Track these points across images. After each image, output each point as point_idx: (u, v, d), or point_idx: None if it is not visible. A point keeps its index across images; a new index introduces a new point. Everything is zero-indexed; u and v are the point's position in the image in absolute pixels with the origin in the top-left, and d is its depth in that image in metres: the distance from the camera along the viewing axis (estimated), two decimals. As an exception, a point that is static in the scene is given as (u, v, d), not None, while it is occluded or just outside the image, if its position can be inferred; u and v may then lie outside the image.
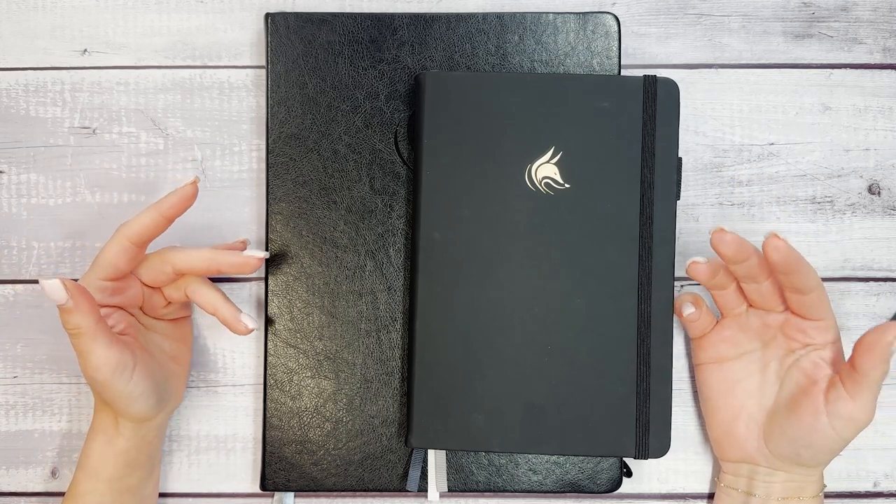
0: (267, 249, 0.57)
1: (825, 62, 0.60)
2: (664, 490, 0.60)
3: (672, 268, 0.54)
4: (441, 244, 0.54)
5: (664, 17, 0.61)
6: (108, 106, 0.60)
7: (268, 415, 0.57)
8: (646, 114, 0.54)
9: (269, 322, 0.57)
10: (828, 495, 0.60)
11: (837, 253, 0.60)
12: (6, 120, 0.60)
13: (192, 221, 0.59)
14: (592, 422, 0.53)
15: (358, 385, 0.57)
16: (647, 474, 0.60)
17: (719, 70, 0.60)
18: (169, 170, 0.60)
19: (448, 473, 0.58)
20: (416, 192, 0.54)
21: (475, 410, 0.54)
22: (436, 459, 0.57)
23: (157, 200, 0.52)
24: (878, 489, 0.60)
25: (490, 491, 0.58)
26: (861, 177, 0.60)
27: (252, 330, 0.53)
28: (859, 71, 0.60)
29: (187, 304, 0.58)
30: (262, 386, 0.58)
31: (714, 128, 0.60)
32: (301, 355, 0.57)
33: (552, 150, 0.54)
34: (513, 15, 0.58)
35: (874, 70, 0.60)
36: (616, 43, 0.57)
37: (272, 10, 0.60)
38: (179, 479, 0.60)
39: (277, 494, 0.59)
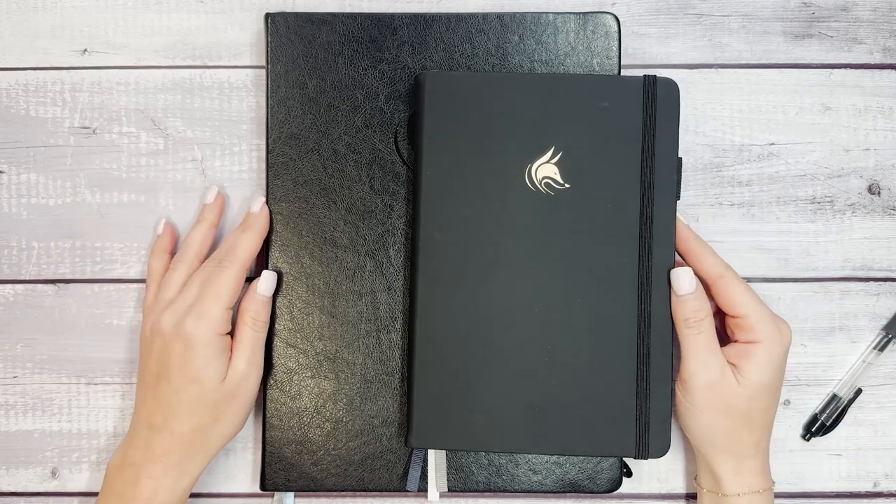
0: (267, 249, 0.57)
1: (825, 62, 0.60)
2: (664, 490, 0.60)
3: (672, 266, 0.54)
4: (441, 244, 0.54)
5: (664, 17, 0.61)
6: (108, 106, 0.60)
7: (268, 415, 0.57)
8: (646, 114, 0.54)
9: (269, 322, 0.57)
10: (828, 495, 0.60)
11: (837, 253, 0.60)
12: (6, 120, 0.60)
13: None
14: (592, 421, 0.53)
15: (358, 385, 0.57)
16: (647, 474, 0.60)
17: (719, 70, 0.60)
18: (169, 170, 0.60)
19: (448, 473, 0.58)
20: (416, 192, 0.54)
21: (475, 410, 0.54)
22: (436, 459, 0.57)
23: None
24: (878, 489, 0.60)
25: (490, 491, 0.58)
26: (861, 177, 0.60)
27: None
28: (859, 71, 0.60)
29: None
30: (262, 386, 0.58)
31: (714, 128, 0.60)
32: (301, 355, 0.57)
33: (552, 150, 0.54)
34: (513, 15, 0.58)
35: (874, 70, 0.60)
36: (616, 43, 0.57)
37: (272, 10, 0.60)
38: (179, 479, 0.60)
39: (277, 494, 0.59)
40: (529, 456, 0.58)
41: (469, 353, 0.54)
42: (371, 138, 0.57)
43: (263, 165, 0.59)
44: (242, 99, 0.60)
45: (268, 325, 0.56)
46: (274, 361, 0.57)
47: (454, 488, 0.57)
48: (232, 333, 0.55)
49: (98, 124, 0.60)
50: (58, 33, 0.61)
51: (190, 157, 0.60)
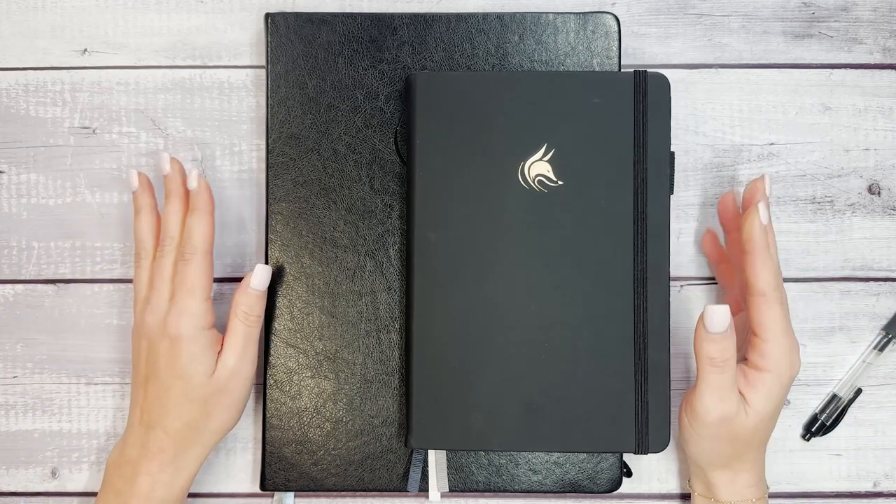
0: (267, 249, 0.57)
1: (825, 62, 0.60)
2: (664, 490, 0.60)
3: (667, 262, 0.54)
4: (436, 244, 0.54)
5: (664, 17, 0.61)
6: (108, 106, 0.60)
7: (268, 415, 0.57)
8: (637, 109, 0.54)
9: (269, 322, 0.57)
10: (828, 495, 0.60)
11: (837, 253, 0.60)
12: (6, 120, 0.60)
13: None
14: (591, 418, 0.53)
15: (358, 385, 0.57)
16: (647, 474, 0.60)
17: (719, 70, 0.60)
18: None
19: (448, 473, 0.58)
20: (409, 193, 0.55)
21: (474, 410, 0.54)
22: (436, 460, 0.57)
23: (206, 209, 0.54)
24: (878, 489, 0.60)
25: (490, 491, 0.58)
26: (861, 177, 0.60)
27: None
28: (859, 71, 0.60)
29: None
30: (262, 386, 0.58)
31: (714, 128, 0.60)
32: (301, 355, 0.57)
33: (544, 148, 0.54)
34: (513, 15, 0.58)
35: (874, 70, 0.60)
36: (616, 43, 0.57)
37: (272, 10, 0.60)
38: (179, 479, 0.60)
39: (277, 494, 0.59)
40: (529, 456, 0.58)
41: (466, 352, 0.54)
42: (371, 138, 0.57)
43: (263, 165, 0.59)
44: (242, 99, 0.60)
45: (262, 319, 0.55)
46: (274, 361, 0.57)
47: (454, 488, 0.57)
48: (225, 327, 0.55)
49: (98, 124, 0.60)
50: (58, 33, 0.61)
51: (190, 157, 0.60)
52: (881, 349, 0.59)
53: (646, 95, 0.54)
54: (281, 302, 0.57)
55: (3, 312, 0.60)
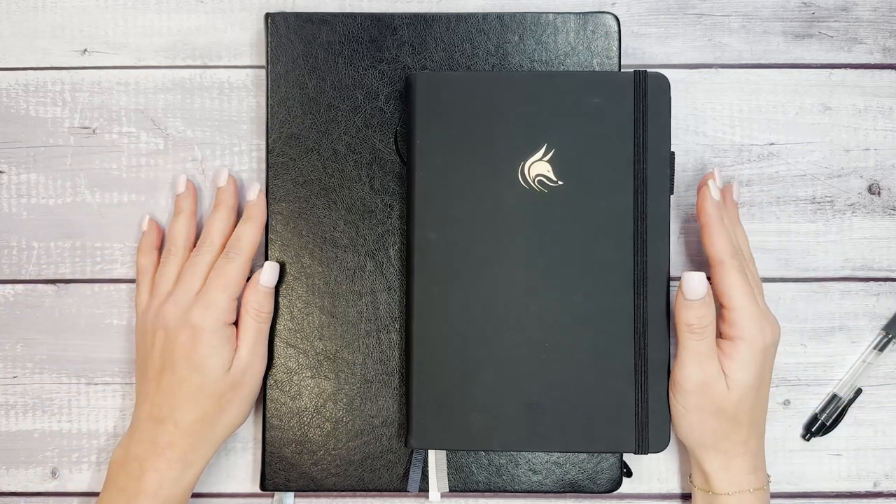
0: (267, 249, 0.58)
1: (825, 62, 0.60)
2: (664, 490, 0.60)
3: (667, 262, 0.54)
4: (436, 244, 0.54)
5: (664, 17, 0.61)
6: (108, 106, 0.60)
7: (268, 415, 0.57)
8: (637, 109, 0.54)
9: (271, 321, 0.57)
10: (828, 495, 0.60)
11: (837, 253, 0.60)
12: (6, 120, 0.60)
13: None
14: (591, 418, 0.53)
15: (358, 385, 0.57)
16: (647, 474, 0.60)
17: (719, 70, 0.60)
18: (169, 170, 0.60)
19: (448, 473, 0.58)
20: (409, 193, 0.55)
21: (474, 410, 0.54)
22: (436, 460, 0.57)
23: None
24: (878, 489, 0.60)
25: (490, 491, 0.58)
26: (861, 177, 0.60)
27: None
28: (859, 71, 0.60)
29: None
30: (262, 386, 0.58)
31: (714, 128, 0.60)
32: (301, 355, 0.57)
33: (544, 148, 0.54)
34: (513, 15, 0.58)
35: (874, 70, 0.60)
36: (616, 43, 0.57)
37: (272, 10, 0.60)
38: (179, 479, 0.60)
39: (277, 494, 0.59)
40: (529, 456, 0.58)
41: (467, 352, 0.54)
42: (371, 138, 0.57)
43: (263, 165, 0.59)
44: (242, 99, 0.60)
45: (271, 316, 0.56)
46: (274, 361, 0.57)
47: (454, 488, 0.58)
48: (237, 324, 0.55)
49: (98, 124, 0.60)
50: (58, 33, 0.61)
51: (190, 157, 0.60)
52: (881, 349, 0.59)
53: (646, 95, 0.54)
54: (281, 302, 0.57)
55: (3, 312, 0.60)
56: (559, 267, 0.54)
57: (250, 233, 0.56)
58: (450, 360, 0.54)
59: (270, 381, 0.57)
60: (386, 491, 0.57)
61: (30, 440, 0.60)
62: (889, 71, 0.60)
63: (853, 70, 0.60)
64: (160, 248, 0.59)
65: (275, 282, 0.56)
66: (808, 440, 0.60)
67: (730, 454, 0.53)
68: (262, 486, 0.57)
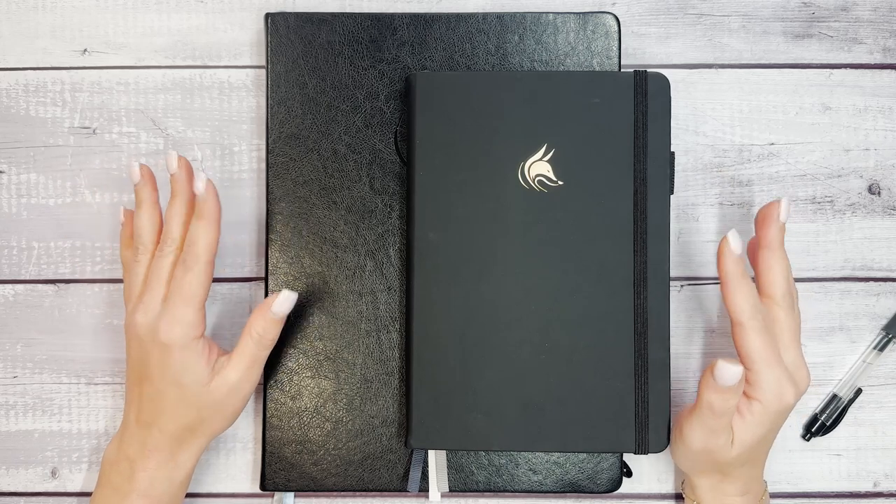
0: (267, 249, 0.57)
1: (825, 62, 0.60)
2: (664, 490, 0.60)
3: (667, 262, 0.54)
4: (436, 244, 0.54)
5: (664, 17, 0.61)
6: (108, 106, 0.60)
7: (268, 415, 0.57)
8: (637, 109, 0.54)
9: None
10: (828, 495, 0.60)
11: (837, 253, 0.60)
12: (6, 120, 0.60)
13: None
14: (591, 418, 0.53)
15: (358, 385, 0.57)
16: (646, 474, 0.60)
17: (719, 70, 0.60)
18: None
19: (448, 473, 0.58)
20: (409, 193, 0.55)
21: (474, 410, 0.54)
22: (436, 460, 0.57)
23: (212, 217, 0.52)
24: (878, 489, 0.60)
25: (490, 491, 0.58)
26: (861, 177, 0.60)
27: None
28: (859, 71, 0.60)
29: None
30: (262, 386, 0.58)
31: (714, 128, 0.60)
32: (301, 355, 0.57)
33: (544, 148, 0.54)
34: (513, 15, 0.58)
35: (874, 70, 0.60)
36: (616, 43, 0.57)
37: (272, 10, 0.60)
38: (179, 479, 0.60)
39: (277, 494, 0.59)
40: (529, 456, 0.58)
41: (466, 352, 0.54)
42: (371, 138, 0.57)
43: (263, 165, 0.59)
44: (242, 99, 0.60)
45: (274, 343, 0.54)
46: (274, 361, 0.57)
47: (454, 488, 0.57)
48: (236, 332, 0.55)
49: (98, 124, 0.60)
50: (58, 33, 0.61)
51: (190, 157, 0.60)
52: (881, 349, 0.59)
53: (646, 95, 0.54)
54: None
55: (3, 312, 0.60)
56: (559, 267, 0.54)
57: (204, 234, 0.51)
58: (450, 360, 0.54)
59: (270, 381, 0.57)
60: (386, 491, 0.57)
61: (30, 440, 0.60)
62: (889, 71, 0.60)
63: (853, 70, 0.60)
64: None
65: (287, 311, 0.53)
66: (808, 440, 0.60)
67: (721, 479, 0.54)
68: (262, 486, 0.57)
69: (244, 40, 0.61)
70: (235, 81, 0.60)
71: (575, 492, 0.58)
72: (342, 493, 0.59)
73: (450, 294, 0.54)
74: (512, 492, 0.58)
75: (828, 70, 0.60)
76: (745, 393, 0.50)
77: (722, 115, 0.60)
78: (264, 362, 0.54)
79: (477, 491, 0.58)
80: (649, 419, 0.53)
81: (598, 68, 0.57)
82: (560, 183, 0.54)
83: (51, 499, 0.60)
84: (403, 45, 0.58)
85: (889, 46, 0.60)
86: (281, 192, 0.57)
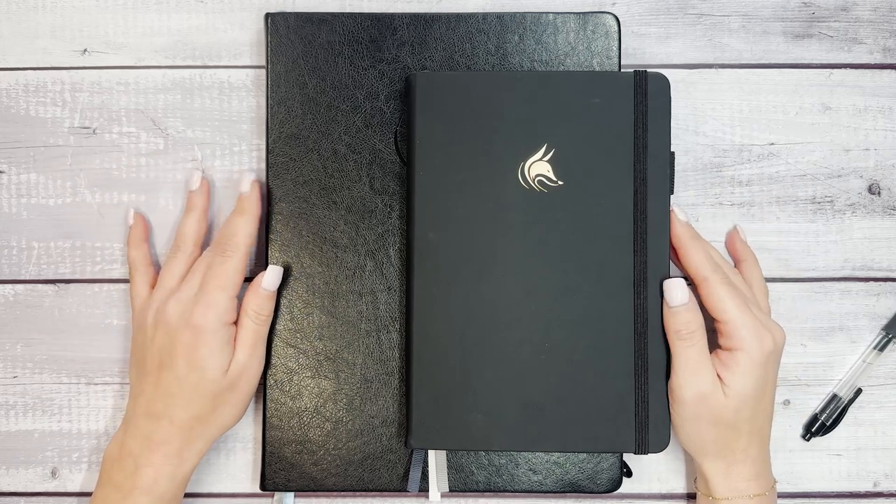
0: (267, 249, 0.58)
1: (825, 62, 0.60)
2: (664, 490, 0.60)
3: (667, 262, 0.54)
4: (436, 244, 0.54)
5: (664, 17, 0.61)
6: (108, 106, 0.60)
7: (268, 415, 0.57)
8: (637, 109, 0.54)
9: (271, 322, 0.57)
10: (828, 495, 0.60)
11: (837, 253, 0.60)
12: (6, 120, 0.60)
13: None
14: (591, 418, 0.53)
15: (358, 385, 0.57)
16: (647, 474, 0.60)
17: (719, 70, 0.60)
18: (169, 170, 0.60)
19: (448, 473, 0.58)
20: (410, 193, 0.55)
21: (474, 410, 0.54)
22: (436, 460, 0.57)
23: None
24: (878, 489, 0.60)
25: (490, 491, 0.58)
26: (861, 177, 0.60)
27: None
28: (859, 71, 0.60)
29: None
30: (262, 386, 0.58)
31: (714, 128, 0.60)
32: (301, 355, 0.57)
33: (544, 148, 0.54)
34: (513, 15, 0.58)
35: (874, 70, 0.60)
36: (616, 43, 0.57)
37: (272, 10, 0.60)
38: (179, 479, 0.60)
39: (277, 494, 0.59)
40: (529, 456, 0.58)
41: (467, 352, 0.54)
42: (371, 138, 0.57)
43: (263, 165, 0.59)
44: (242, 99, 0.60)
45: (271, 318, 0.56)
46: (274, 361, 0.57)
47: (454, 488, 0.58)
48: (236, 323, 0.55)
49: (98, 124, 0.60)
50: (58, 33, 0.61)
51: (190, 157, 0.60)
52: (881, 349, 0.59)
53: (646, 95, 0.54)
54: (281, 302, 0.57)
55: (3, 312, 0.60)
56: (559, 267, 0.54)
57: (245, 227, 0.55)
58: (450, 360, 0.54)
59: (270, 381, 0.57)
60: (386, 491, 0.57)
61: (30, 440, 0.60)
62: (889, 71, 0.60)
63: (853, 70, 0.60)
64: (148, 241, 0.59)
65: (277, 286, 0.56)
66: (808, 440, 0.60)
67: (729, 460, 0.53)
68: (262, 486, 0.57)
69: (244, 40, 0.61)
70: (235, 81, 0.60)
71: (575, 492, 0.58)
72: (342, 493, 0.59)
73: (450, 294, 0.54)
74: (512, 492, 0.58)
75: (828, 70, 0.60)
76: (725, 346, 0.53)
77: (722, 115, 0.60)
78: (265, 341, 0.56)
79: (477, 491, 0.58)
80: (649, 419, 0.53)
81: (598, 68, 0.57)
82: (560, 183, 0.54)
83: (51, 499, 0.60)
84: (403, 45, 0.58)
85: (889, 46, 0.60)
86: (281, 192, 0.57)
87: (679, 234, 0.54)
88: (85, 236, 0.60)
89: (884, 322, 0.60)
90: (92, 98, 0.60)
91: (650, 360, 0.53)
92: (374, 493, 0.60)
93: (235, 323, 0.55)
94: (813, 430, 0.60)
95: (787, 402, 0.60)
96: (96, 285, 0.60)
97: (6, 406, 0.60)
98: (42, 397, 0.60)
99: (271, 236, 0.57)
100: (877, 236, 0.60)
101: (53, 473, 0.60)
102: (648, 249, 0.54)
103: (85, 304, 0.60)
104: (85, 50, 0.61)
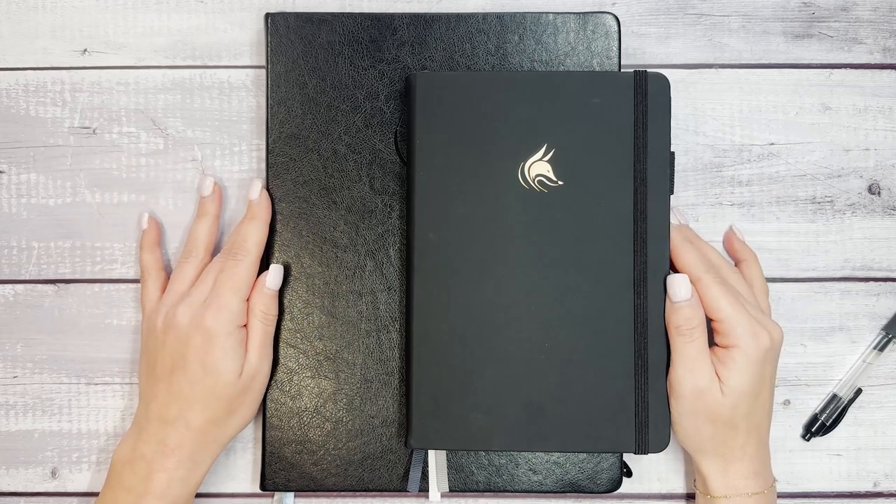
0: (268, 248, 0.58)
1: (825, 62, 0.60)
2: (664, 490, 0.60)
3: (667, 262, 0.54)
4: (436, 244, 0.54)
5: (664, 17, 0.61)
6: (108, 106, 0.60)
7: (268, 415, 0.57)
8: (637, 109, 0.54)
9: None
10: (828, 495, 0.60)
11: (837, 253, 0.60)
12: (6, 120, 0.60)
13: (193, 217, 0.59)
14: (591, 418, 0.53)
15: (358, 385, 0.57)
16: (647, 474, 0.60)
17: (719, 70, 0.60)
18: (169, 170, 0.60)
19: (448, 473, 0.58)
20: (410, 193, 0.55)
21: (474, 410, 0.54)
22: (436, 460, 0.57)
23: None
24: (878, 489, 0.60)
25: (490, 491, 0.58)
26: (861, 177, 0.60)
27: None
28: (859, 71, 0.60)
29: None
30: (262, 386, 0.58)
31: (714, 128, 0.60)
32: (301, 355, 0.57)
33: (545, 148, 0.54)
34: (513, 15, 0.58)
35: (874, 70, 0.60)
36: (616, 43, 0.57)
37: (272, 10, 0.60)
38: (179, 479, 0.60)
39: (277, 494, 0.59)
40: (529, 456, 0.58)
41: (467, 352, 0.54)
42: (371, 138, 0.57)
43: (263, 165, 0.59)
44: (242, 99, 0.60)
45: (276, 318, 0.56)
46: (274, 361, 0.57)
47: (454, 488, 0.58)
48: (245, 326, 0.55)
49: (98, 124, 0.60)
50: (58, 33, 0.61)
51: (190, 157, 0.60)
52: (881, 349, 0.59)
53: (646, 95, 0.54)
54: (281, 302, 0.57)
55: (3, 312, 0.60)
56: (559, 267, 0.54)
57: (255, 232, 0.56)
58: (450, 360, 0.54)
59: (270, 381, 0.57)
60: (386, 491, 0.57)
61: (30, 440, 0.60)
62: (889, 71, 0.60)
63: (853, 70, 0.60)
64: (161, 245, 0.59)
65: (279, 285, 0.56)
66: (808, 440, 0.60)
67: (727, 458, 0.53)
68: (262, 486, 0.57)
69: (244, 40, 0.61)
70: (235, 81, 0.60)
71: (575, 492, 0.58)
72: (342, 493, 0.59)
73: (450, 294, 0.54)
74: (512, 492, 0.58)
75: (828, 70, 0.60)
76: (721, 344, 0.53)
77: (722, 115, 0.60)
78: (272, 340, 0.56)
79: (477, 491, 0.58)
80: (649, 419, 0.53)
81: (598, 68, 0.57)
82: (560, 183, 0.54)
83: (51, 499, 0.60)
84: (403, 45, 0.58)
85: (889, 46, 0.60)
86: (281, 192, 0.57)
87: (674, 237, 0.54)
88: (85, 236, 0.60)
89: (884, 322, 0.60)
90: (92, 98, 0.60)
91: (650, 359, 0.53)
92: (374, 493, 0.60)
93: (245, 326, 0.55)
94: (813, 430, 0.60)
95: (787, 402, 0.60)
96: (96, 285, 0.60)
97: (6, 406, 0.60)
98: (42, 397, 0.60)
99: (272, 237, 0.57)
100: (877, 236, 0.60)
101: (53, 473, 0.60)
102: (648, 249, 0.54)
103: (85, 304, 0.60)
104: (85, 50, 0.61)
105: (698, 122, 0.60)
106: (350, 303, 0.57)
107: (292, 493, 0.59)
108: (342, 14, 0.58)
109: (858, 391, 0.59)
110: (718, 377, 0.52)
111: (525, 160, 0.54)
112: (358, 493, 0.60)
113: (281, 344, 0.57)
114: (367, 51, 0.58)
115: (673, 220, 0.55)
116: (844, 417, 0.59)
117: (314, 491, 0.58)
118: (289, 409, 0.57)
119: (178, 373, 0.53)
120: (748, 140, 0.60)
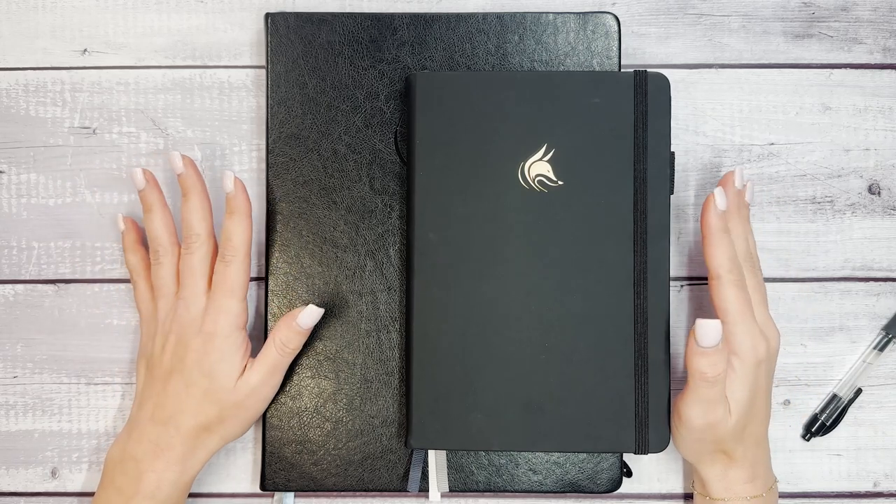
0: (267, 249, 0.58)
1: (825, 62, 0.60)
2: (664, 490, 0.60)
3: (667, 262, 0.54)
4: (436, 244, 0.54)
5: (664, 17, 0.61)
6: (108, 106, 0.60)
7: (268, 415, 0.57)
8: (637, 109, 0.54)
9: (268, 321, 0.57)
10: (828, 495, 0.60)
11: (837, 253, 0.60)
12: (6, 120, 0.60)
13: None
14: (591, 418, 0.53)
15: (358, 385, 0.57)
16: (647, 474, 0.60)
17: (719, 70, 0.60)
18: (169, 170, 0.60)
19: (448, 473, 0.58)
20: (409, 193, 0.55)
21: (474, 410, 0.54)
22: (436, 460, 0.57)
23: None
24: (878, 489, 0.60)
25: (490, 491, 0.58)
26: (861, 177, 0.60)
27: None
28: (859, 71, 0.60)
29: None
30: (262, 386, 0.58)
31: (714, 128, 0.60)
32: (301, 355, 0.57)
33: (544, 148, 0.54)
34: (513, 15, 0.58)
35: (874, 70, 0.60)
36: (616, 43, 0.57)
37: (272, 10, 0.60)
38: (179, 479, 0.60)
39: (277, 494, 0.59)
40: (529, 456, 0.58)
41: (467, 352, 0.54)
42: (371, 138, 0.57)
43: (263, 165, 0.59)
44: (242, 99, 0.60)
45: (296, 352, 0.55)
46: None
47: (454, 488, 0.58)
48: (264, 331, 0.56)
49: (98, 124, 0.60)
50: (58, 33, 0.61)
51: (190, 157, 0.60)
52: (881, 349, 0.59)
53: (646, 95, 0.54)
54: (281, 302, 0.57)
55: (3, 312, 0.60)
56: (559, 267, 0.54)
57: (238, 228, 0.54)
58: (450, 360, 0.54)
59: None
60: (386, 491, 0.57)
61: (30, 440, 0.60)
62: (889, 71, 0.60)
63: (853, 70, 0.60)
64: (144, 244, 0.58)
65: (311, 325, 0.55)
66: (808, 440, 0.60)
67: (726, 465, 0.53)
68: (262, 486, 0.57)
69: (244, 40, 0.61)
70: (235, 81, 0.60)
71: (575, 492, 0.58)
72: (342, 493, 0.59)
73: (450, 293, 0.54)
74: (512, 492, 0.58)
75: (828, 70, 0.60)
76: None
77: (722, 115, 0.60)
78: (285, 370, 0.56)
79: (477, 491, 0.58)
80: (649, 419, 0.53)
81: (598, 68, 0.57)
82: (560, 183, 0.54)
83: (51, 499, 0.60)
84: (403, 45, 0.58)
85: (889, 46, 0.60)
86: (281, 192, 0.58)
87: (711, 224, 0.52)
88: (85, 236, 0.60)
89: (884, 322, 0.60)
90: (92, 98, 0.60)
91: (650, 360, 0.53)
92: (374, 493, 0.60)
93: (251, 329, 0.55)
94: (813, 430, 0.60)
95: (787, 402, 0.60)
96: (96, 285, 0.60)
97: (6, 406, 0.60)
98: (42, 397, 0.60)
99: (271, 236, 0.57)
100: (877, 236, 0.60)
101: (53, 473, 0.60)
102: (648, 249, 0.54)
103: (85, 304, 0.60)
104: (85, 50, 0.61)
105: (698, 122, 0.60)
106: (350, 303, 0.57)
107: (292, 493, 0.59)
108: (342, 14, 0.58)
109: (858, 391, 0.59)
110: (727, 398, 0.51)
111: (525, 160, 0.54)
112: (358, 493, 0.60)
113: (281, 344, 0.57)
114: (367, 51, 0.58)
115: (721, 204, 0.52)
116: (844, 417, 0.59)
117: (314, 491, 0.58)
118: (289, 409, 0.57)
119: (176, 375, 0.53)
120: (748, 140, 0.60)
